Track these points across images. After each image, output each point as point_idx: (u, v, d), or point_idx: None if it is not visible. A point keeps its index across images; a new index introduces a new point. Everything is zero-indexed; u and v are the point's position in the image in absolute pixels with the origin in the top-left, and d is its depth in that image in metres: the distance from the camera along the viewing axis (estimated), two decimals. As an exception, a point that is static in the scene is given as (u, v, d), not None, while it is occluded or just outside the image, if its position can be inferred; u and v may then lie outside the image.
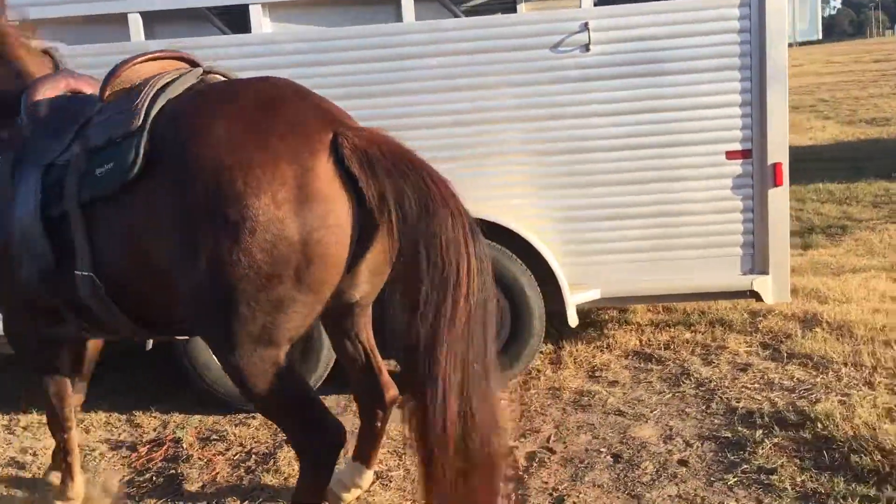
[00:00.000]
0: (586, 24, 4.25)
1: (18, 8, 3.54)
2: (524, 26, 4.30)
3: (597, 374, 4.51)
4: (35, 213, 2.72)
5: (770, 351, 4.61)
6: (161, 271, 2.47)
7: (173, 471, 3.82)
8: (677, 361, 4.55)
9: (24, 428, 4.47)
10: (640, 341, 4.89)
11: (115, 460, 4.01)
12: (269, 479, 3.63)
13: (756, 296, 4.44)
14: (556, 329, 4.78)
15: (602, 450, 3.65)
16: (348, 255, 2.44)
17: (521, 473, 3.46)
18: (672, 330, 5.01)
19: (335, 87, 4.22)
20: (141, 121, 2.55)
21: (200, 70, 2.83)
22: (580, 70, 4.31)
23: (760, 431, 3.65)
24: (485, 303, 2.41)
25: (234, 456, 3.92)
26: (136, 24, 4.36)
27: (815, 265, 6.25)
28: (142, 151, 2.49)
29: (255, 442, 4.05)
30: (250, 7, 4.35)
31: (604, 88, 4.32)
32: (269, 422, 3.96)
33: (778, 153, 4.32)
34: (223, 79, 2.87)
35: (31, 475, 3.92)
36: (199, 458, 3.91)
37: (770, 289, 4.43)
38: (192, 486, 3.66)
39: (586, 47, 4.27)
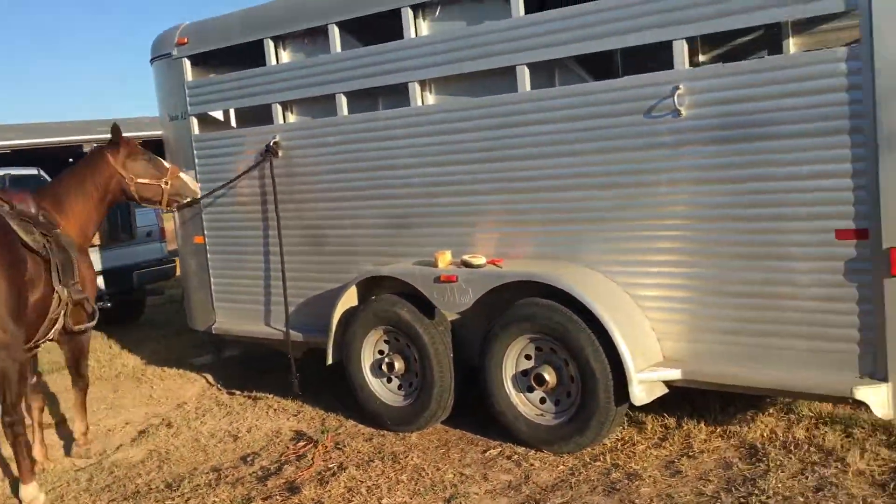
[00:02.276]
0: (677, 86, 4.01)
1: None
2: (619, 92, 4.24)
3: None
4: None
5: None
6: None
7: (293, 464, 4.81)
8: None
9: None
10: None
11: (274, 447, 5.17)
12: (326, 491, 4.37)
13: (864, 405, 3.64)
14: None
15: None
16: None
17: None
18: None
19: (471, 151, 4.77)
20: None
21: None
22: (672, 135, 4.08)
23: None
24: None
25: (329, 458, 4.74)
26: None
27: None
28: None
29: (355, 453, 4.80)
30: (408, 85, 5.07)
31: (694, 154, 4.03)
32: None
33: (895, 236, 3.51)
34: None
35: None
36: (310, 457, 4.83)
37: (887, 400, 3.60)
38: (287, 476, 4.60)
39: (678, 112, 4.04)
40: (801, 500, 3.58)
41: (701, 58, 5.44)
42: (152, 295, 10.31)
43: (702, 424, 4.50)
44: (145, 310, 10.30)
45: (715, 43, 5.66)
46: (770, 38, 4.90)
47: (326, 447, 4.97)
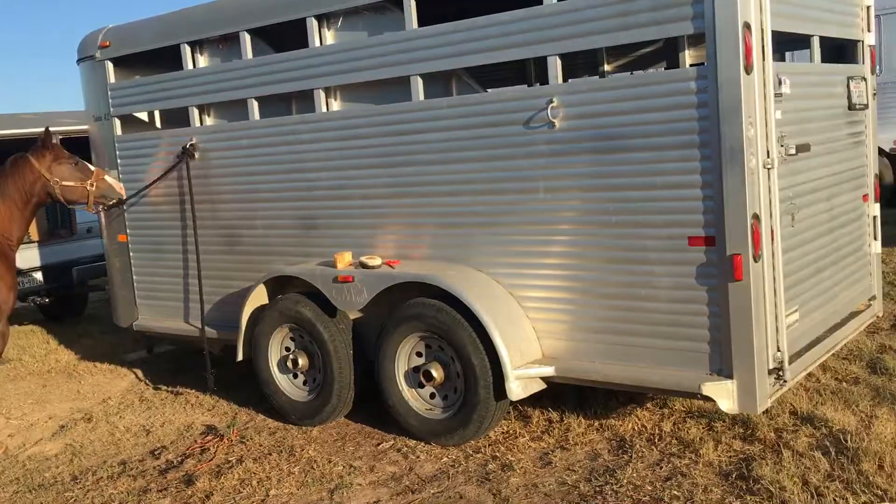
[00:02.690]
0: (551, 100, 4.25)
1: None
2: (501, 103, 4.47)
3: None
4: None
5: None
6: None
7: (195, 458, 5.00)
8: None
9: (173, 403, 6.07)
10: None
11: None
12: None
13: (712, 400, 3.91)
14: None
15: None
16: None
17: None
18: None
19: (371, 157, 4.99)
20: None
21: None
22: (548, 145, 4.32)
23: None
24: None
25: (231, 452, 4.93)
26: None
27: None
28: None
29: (257, 446, 5.00)
30: (313, 91, 5.26)
31: (567, 164, 4.27)
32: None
33: (738, 244, 3.78)
34: None
35: None
36: (212, 450, 5.02)
37: (732, 395, 3.87)
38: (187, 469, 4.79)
39: (552, 123, 4.27)
40: (650, 488, 3.84)
41: (607, 68, 5.68)
42: (94, 291, 10.39)
43: (581, 418, 4.74)
44: (87, 306, 10.38)
45: (621, 54, 5.95)
46: (670, 51, 5.15)
47: (231, 441, 5.16)
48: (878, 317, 5.34)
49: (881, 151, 12.51)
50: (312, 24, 5.17)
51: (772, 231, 3.90)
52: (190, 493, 4.42)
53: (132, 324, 6.70)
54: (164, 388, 6.54)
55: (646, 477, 3.96)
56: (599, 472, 4.08)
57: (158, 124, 6.71)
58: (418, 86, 4.78)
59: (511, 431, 4.75)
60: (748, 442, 4.23)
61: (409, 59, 4.77)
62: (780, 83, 4.01)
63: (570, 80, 4.29)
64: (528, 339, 4.49)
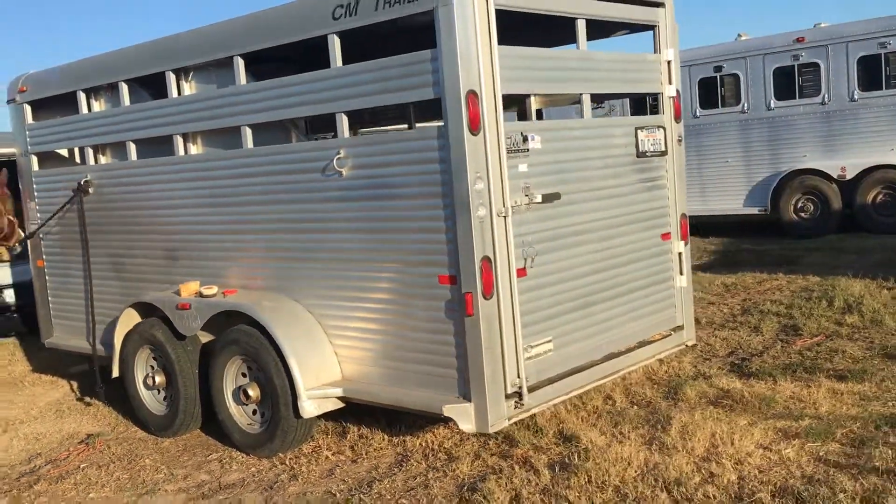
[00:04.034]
0: (339, 151, 4.81)
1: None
2: (306, 153, 5.04)
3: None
4: None
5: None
6: None
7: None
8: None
9: (67, 413, 6.72)
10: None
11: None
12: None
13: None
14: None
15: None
16: None
17: None
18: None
19: (215, 196, 5.62)
20: None
21: None
22: (338, 192, 4.88)
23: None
24: None
25: (86, 459, 5.55)
26: None
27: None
28: None
29: (111, 454, 5.61)
30: (173, 137, 5.89)
31: (353, 209, 4.82)
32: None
33: (469, 283, 4.28)
34: None
35: None
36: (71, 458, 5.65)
37: (470, 417, 4.36)
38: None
39: (340, 173, 4.83)
40: (388, 498, 4.36)
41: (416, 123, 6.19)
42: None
43: (384, 434, 5.26)
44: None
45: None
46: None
47: (95, 449, 5.78)
48: (687, 345, 5.75)
49: (829, 178, 12.85)
50: (170, 77, 5.82)
51: (509, 272, 4.40)
52: (27, 495, 5.05)
53: (45, 341, 7.40)
54: (87, 399, 7.17)
55: (395, 488, 4.48)
56: (364, 484, 4.60)
57: (78, 160, 7.42)
58: (247, 135, 5.38)
59: (324, 445, 5.28)
60: (504, 458, 4.71)
61: (238, 111, 5.37)
62: (524, 139, 4.51)
63: (348, 136, 4.83)
64: (327, 363, 5.03)
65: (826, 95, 12.86)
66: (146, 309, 6.07)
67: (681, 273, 5.70)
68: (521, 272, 4.52)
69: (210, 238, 5.77)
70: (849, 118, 12.83)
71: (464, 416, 4.38)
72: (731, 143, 13.98)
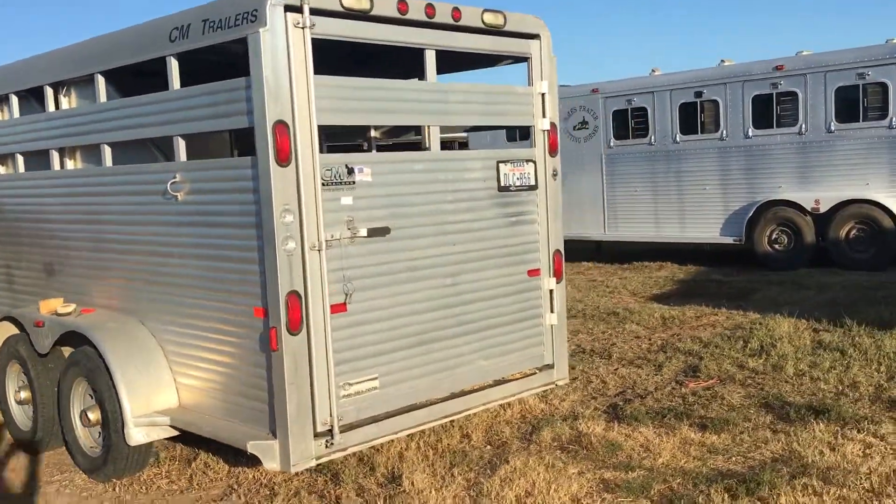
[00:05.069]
0: (175, 176, 4.73)
1: None
2: (151, 175, 4.96)
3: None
4: None
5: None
6: None
7: None
8: None
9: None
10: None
11: None
12: None
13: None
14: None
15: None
16: None
17: None
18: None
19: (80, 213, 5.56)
20: None
21: None
22: (175, 216, 4.79)
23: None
24: None
25: None
26: None
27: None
28: None
29: None
30: (49, 151, 5.86)
31: (186, 234, 4.73)
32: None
33: (275, 317, 4.16)
34: None
35: None
36: None
37: (275, 454, 4.22)
38: None
39: (176, 197, 4.74)
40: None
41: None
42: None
43: (227, 464, 5.14)
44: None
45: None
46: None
47: (-39, 462, 5.75)
48: (557, 384, 5.56)
49: (803, 210, 12.52)
50: (48, 91, 5.79)
51: (322, 307, 4.26)
52: None
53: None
54: None
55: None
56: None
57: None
58: (106, 153, 5.31)
59: (164, 472, 5.18)
60: (321, 497, 4.57)
61: (98, 128, 5.31)
62: (350, 171, 4.38)
63: (183, 160, 4.73)
64: (163, 390, 4.93)
65: (803, 126, 12.55)
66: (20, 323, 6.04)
67: (552, 311, 5.51)
68: (341, 307, 4.38)
69: (80, 255, 5.71)
70: (825, 150, 12.50)
71: (268, 454, 4.24)
72: (709, 171, 13.71)
